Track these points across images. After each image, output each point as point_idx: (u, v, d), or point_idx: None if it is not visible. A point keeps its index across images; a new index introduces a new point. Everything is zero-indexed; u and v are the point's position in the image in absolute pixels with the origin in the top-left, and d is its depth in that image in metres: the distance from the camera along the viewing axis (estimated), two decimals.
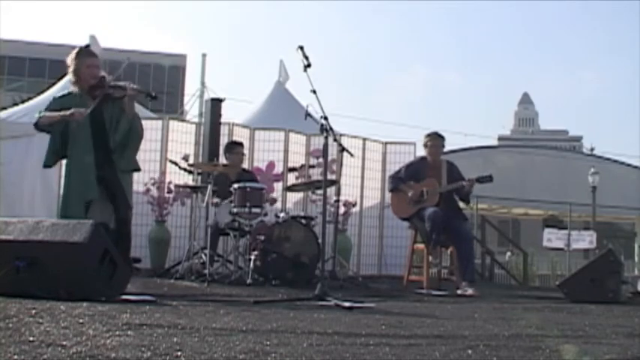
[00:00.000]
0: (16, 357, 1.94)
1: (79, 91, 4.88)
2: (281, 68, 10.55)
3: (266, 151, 8.41)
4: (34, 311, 2.97)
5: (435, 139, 6.60)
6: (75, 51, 4.93)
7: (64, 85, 9.53)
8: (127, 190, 4.94)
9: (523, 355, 2.42)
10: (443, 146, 6.69)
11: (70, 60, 4.91)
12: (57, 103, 4.89)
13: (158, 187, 7.63)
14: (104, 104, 4.84)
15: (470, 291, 5.85)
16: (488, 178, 6.25)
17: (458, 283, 6.13)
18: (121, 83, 4.94)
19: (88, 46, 5.02)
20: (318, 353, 2.24)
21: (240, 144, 7.17)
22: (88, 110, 4.72)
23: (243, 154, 7.13)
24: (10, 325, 2.57)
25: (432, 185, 6.37)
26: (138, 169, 5.09)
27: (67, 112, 4.71)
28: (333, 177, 7.33)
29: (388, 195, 7.43)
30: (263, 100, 10.38)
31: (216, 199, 6.36)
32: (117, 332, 2.49)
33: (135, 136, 4.98)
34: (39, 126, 4.84)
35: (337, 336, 2.69)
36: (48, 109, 4.86)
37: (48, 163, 4.92)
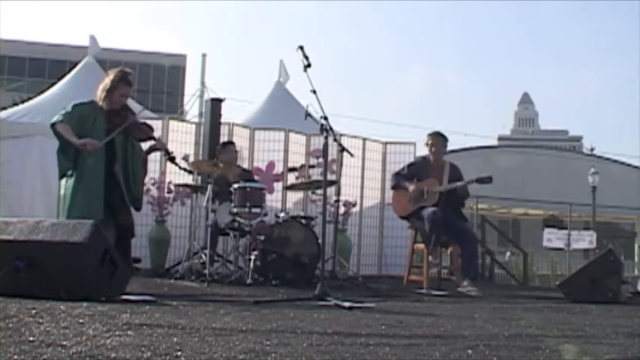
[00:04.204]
0: (16, 357, 1.95)
1: (100, 105, 5.03)
2: (281, 68, 10.54)
3: (266, 151, 8.40)
4: (34, 311, 2.97)
5: (437, 139, 6.59)
6: (119, 73, 5.08)
7: (64, 85, 9.57)
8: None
9: (523, 355, 2.42)
10: (445, 146, 6.68)
11: (109, 78, 5.07)
12: (76, 111, 4.99)
13: (158, 187, 7.62)
14: (117, 133, 4.98)
15: (472, 291, 5.86)
16: (488, 179, 6.24)
17: (459, 281, 6.14)
18: (144, 127, 5.18)
19: (130, 73, 5.15)
20: (318, 353, 2.24)
21: (231, 142, 7.18)
22: (101, 144, 4.90)
23: (236, 151, 7.12)
24: (10, 325, 2.57)
25: (433, 185, 6.37)
26: (139, 209, 5.33)
27: (81, 141, 4.84)
28: (333, 177, 7.33)
29: (388, 195, 7.44)
30: (263, 100, 10.38)
31: (215, 204, 6.37)
32: (117, 332, 2.49)
33: (144, 181, 5.35)
34: (55, 131, 4.94)
35: (337, 336, 2.69)
36: (67, 115, 4.95)
37: (64, 172, 4.99)
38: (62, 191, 5.12)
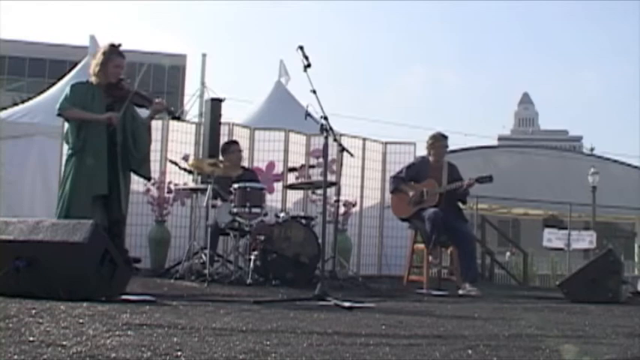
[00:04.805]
0: (16, 357, 1.95)
1: (96, 82, 5.04)
2: (281, 68, 10.55)
3: (266, 151, 8.40)
4: (34, 311, 2.97)
5: (441, 140, 6.60)
6: (108, 45, 5.09)
7: (64, 85, 9.56)
8: (125, 192, 5.08)
9: (523, 355, 2.42)
10: (447, 147, 6.69)
11: (100, 52, 5.09)
12: (76, 92, 5.02)
13: (158, 187, 7.62)
14: (117, 106, 4.98)
15: (472, 291, 5.86)
16: (488, 179, 6.24)
17: (459, 283, 6.14)
18: (145, 93, 5.22)
19: (120, 45, 5.13)
20: (318, 353, 2.24)
21: (235, 142, 7.17)
22: (119, 114, 4.94)
23: (240, 151, 7.12)
24: (10, 325, 2.57)
25: (432, 186, 6.37)
26: (150, 178, 5.62)
27: (106, 115, 4.92)
28: (333, 177, 7.33)
29: (388, 195, 7.43)
30: (263, 100, 10.38)
31: (217, 202, 6.36)
32: (117, 332, 2.49)
33: (149, 147, 5.31)
34: (64, 115, 5.01)
35: (337, 336, 2.69)
36: (69, 99, 4.97)
37: (76, 149, 4.98)
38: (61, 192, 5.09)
